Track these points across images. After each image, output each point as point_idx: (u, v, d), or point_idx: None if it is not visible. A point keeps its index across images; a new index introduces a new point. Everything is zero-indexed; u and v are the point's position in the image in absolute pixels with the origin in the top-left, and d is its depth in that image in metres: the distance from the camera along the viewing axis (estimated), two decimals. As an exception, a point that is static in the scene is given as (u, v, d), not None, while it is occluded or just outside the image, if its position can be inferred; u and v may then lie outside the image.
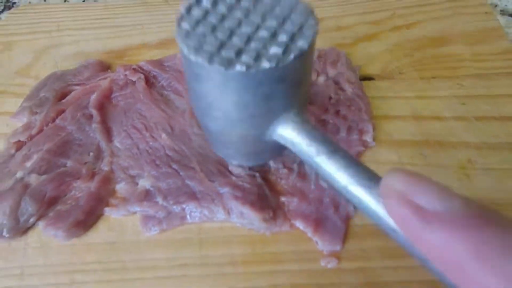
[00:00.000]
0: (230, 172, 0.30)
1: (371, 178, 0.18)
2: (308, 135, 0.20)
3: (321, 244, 0.26)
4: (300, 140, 0.21)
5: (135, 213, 0.28)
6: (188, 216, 0.28)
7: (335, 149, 0.19)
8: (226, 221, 0.28)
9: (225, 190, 0.28)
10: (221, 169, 0.30)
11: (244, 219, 0.27)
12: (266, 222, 0.27)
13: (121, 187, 0.30)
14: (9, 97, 0.36)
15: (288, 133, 0.21)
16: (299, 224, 0.27)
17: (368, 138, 0.31)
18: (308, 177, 0.30)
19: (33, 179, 0.28)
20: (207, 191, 0.28)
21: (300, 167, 0.30)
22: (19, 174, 0.28)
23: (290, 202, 0.28)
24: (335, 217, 0.27)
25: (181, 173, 0.30)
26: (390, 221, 0.16)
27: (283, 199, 0.29)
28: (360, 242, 0.26)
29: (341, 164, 0.19)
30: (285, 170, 0.30)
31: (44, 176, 0.28)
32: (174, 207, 0.28)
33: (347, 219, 0.27)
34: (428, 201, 0.14)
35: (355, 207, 0.28)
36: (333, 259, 0.26)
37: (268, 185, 0.29)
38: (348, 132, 0.32)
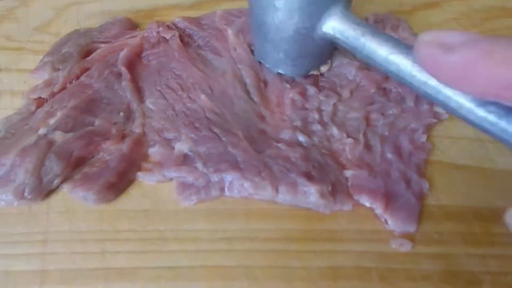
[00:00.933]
0: (277, 141, 0.27)
1: (408, 47, 0.21)
2: (355, 21, 0.25)
3: (393, 223, 0.23)
4: (347, 26, 0.24)
5: (171, 179, 0.25)
6: (227, 189, 0.25)
7: (378, 32, 0.23)
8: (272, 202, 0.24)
9: (274, 161, 0.25)
10: (267, 139, 0.27)
11: (297, 196, 0.24)
12: (324, 198, 0.24)
13: (154, 151, 0.27)
14: (27, 54, 0.33)
15: (337, 22, 0.25)
16: (365, 201, 0.24)
17: (440, 109, 0.28)
18: (373, 148, 0.27)
19: (58, 136, 0.25)
20: (252, 161, 0.25)
21: (366, 138, 0.27)
22: (41, 131, 0.25)
23: (355, 176, 0.25)
24: (407, 193, 0.24)
25: (223, 139, 0.27)
26: (422, 75, 0.20)
27: (346, 173, 0.25)
28: (437, 224, 0.23)
29: (383, 39, 0.23)
30: (350, 140, 0.27)
31: (70, 134, 0.25)
32: (214, 175, 0.25)
33: (421, 197, 0.24)
34: (452, 37, 0.17)
35: (427, 186, 0.25)
36: (407, 241, 0.23)
37: (329, 156, 0.26)
38: (416, 102, 0.29)
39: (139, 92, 0.30)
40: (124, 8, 0.38)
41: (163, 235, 0.23)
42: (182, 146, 0.26)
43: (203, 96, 0.29)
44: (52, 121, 0.26)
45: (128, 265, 0.22)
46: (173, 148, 0.27)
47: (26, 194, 0.23)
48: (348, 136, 0.27)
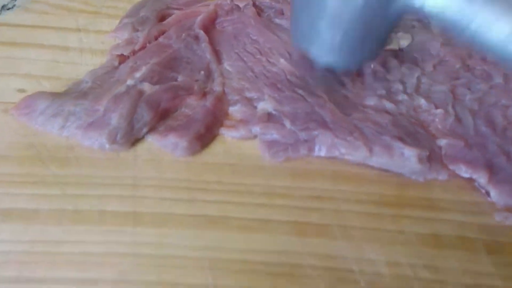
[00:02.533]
0: (364, 106, 0.27)
1: None
2: None
3: (496, 195, 0.23)
4: None
5: (255, 136, 0.26)
6: (317, 147, 0.25)
7: None
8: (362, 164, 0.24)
9: (363, 124, 0.25)
10: (353, 104, 0.27)
11: (393, 158, 0.23)
12: (422, 163, 0.23)
13: (236, 110, 0.27)
14: (103, 18, 0.35)
15: None
16: (463, 171, 0.24)
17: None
18: (464, 121, 0.26)
19: (147, 87, 0.26)
20: (341, 122, 0.25)
21: (455, 110, 0.27)
22: (130, 82, 0.26)
23: (450, 145, 0.25)
24: (509, 166, 0.24)
25: (308, 100, 0.27)
26: None
27: (440, 142, 0.25)
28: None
29: (504, 7, 0.16)
30: (440, 111, 0.26)
31: (157, 86, 0.26)
32: (303, 133, 0.25)
33: (522, 171, 0.24)
34: None
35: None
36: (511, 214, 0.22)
37: (418, 126, 0.26)
38: (506, 79, 0.29)
39: (217, 54, 0.30)
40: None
41: (251, 189, 0.23)
42: (266, 105, 0.27)
43: (282, 60, 0.29)
44: (138, 74, 0.27)
45: (217, 214, 0.22)
46: (255, 107, 0.27)
47: (118, 138, 0.23)
48: (437, 107, 0.26)
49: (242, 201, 0.22)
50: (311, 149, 0.25)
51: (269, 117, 0.26)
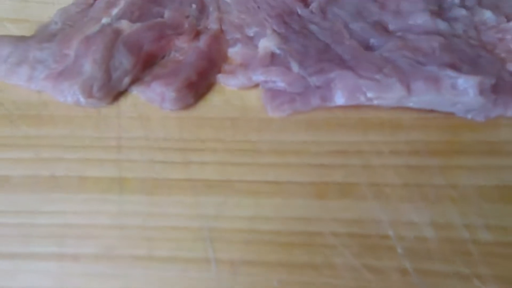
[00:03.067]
0: (404, 30, 0.21)
1: None
2: None
3: None
4: None
5: (257, 85, 0.22)
6: (333, 95, 0.20)
7: None
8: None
9: (398, 54, 0.20)
10: (385, 32, 0.22)
11: (441, 93, 0.18)
12: (484, 95, 0.18)
13: (236, 51, 0.23)
14: None
15: None
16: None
17: None
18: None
19: (125, 26, 0.21)
20: (366, 57, 0.20)
21: None
22: (105, 20, 0.22)
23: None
24: None
25: (321, 36, 0.22)
26: None
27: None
28: None
29: None
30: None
31: (138, 24, 0.22)
32: (315, 78, 0.21)
33: None
34: None
35: None
36: None
37: (481, 48, 0.21)
38: None
39: (213, -19, 0.25)
40: None
41: (257, 147, 0.19)
42: (268, 43, 0.22)
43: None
44: (115, 10, 0.22)
45: (217, 177, 0.19)
46: (256, 47, 0.22)
47: (94, 90, 0.20)
48: (509, 21, 0.21)
49: (247, 161, 0.19)
50: (325, 98, 0.20)
51: (272, 59, 0.21)
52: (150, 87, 0.20)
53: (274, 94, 0.21)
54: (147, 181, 0.19)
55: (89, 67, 0.20)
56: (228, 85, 0.21)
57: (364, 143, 0.19)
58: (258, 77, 0.21)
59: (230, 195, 0.18)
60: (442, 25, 0.21)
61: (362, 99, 0.19)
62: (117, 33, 0.21)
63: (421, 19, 0.21)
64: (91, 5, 0.24)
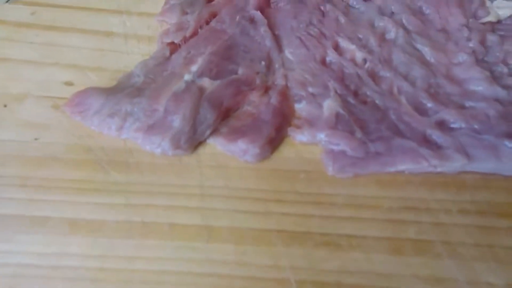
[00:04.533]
0: (462, 95, 0.23)
1: None
2: None
3: None
4: None
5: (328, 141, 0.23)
6: (398, 162, 0.21)
7: None
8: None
9: (455, 122, 0.22)
10: (439, 96, 0.23)
11: (500, 162, 0.20)
12: None
13: (302, 108, 0.24)
14: (146, -4, 0.32)
15: None
16: None
17: None
18: None
19: (207, 83, 0.23)
20: (423, 126, 0.22)
21: None
22: (187, 77, 0.24)
23: None
24: None
25: (378, 102, 0.23)
26: None
27: None
28: None
29: None
30: None
31: (218, 81, 0.24)
32: (376, 144, 0.22)
33: None
34: None
35: None
36: None
37: None
38: None
39: (277, 40, 0.27)
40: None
41: (332, 200, 0.21)
42: (333, 104, 0.23)
43: (352, 47, 0.26)
44: (194, 67, 0.24)
45: (299, 228, 0.20)
46: (321, 106, 0.24)
47: (181, 142, 0.21)
48: None
49: (324, 214, 0.20)
50: (386, 164, 0.21)
51: (337, 119, 0.23)
52: (236, 143, 0.22)
53: (336, 156, 0.22)
54: (233, 230, 0.20)
55: (178, 122, 0.21)
56: (297, 140, 0.23)
57: (432, 201, 0.21)
58: (323, 137, 0.23)
59: (312, 247, 0.19)
60: (501, 93, 0.23)
61: (425, 165, 0.21)
62: (201, 90, 0.23)
63: (481, 86, 0.23)
64: (168, 58, 0.26)
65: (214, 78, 0.24)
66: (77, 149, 0.23)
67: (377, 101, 0.24)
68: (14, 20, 0.29)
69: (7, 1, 0.33)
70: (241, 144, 0.21)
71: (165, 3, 0.30)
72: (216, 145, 0.23)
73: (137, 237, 0.20)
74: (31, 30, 0.29)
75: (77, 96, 0.24)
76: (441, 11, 0.27)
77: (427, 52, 0.25)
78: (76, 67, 0.27)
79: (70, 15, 0.30)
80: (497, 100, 0.22)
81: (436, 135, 0.21)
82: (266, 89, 0.25)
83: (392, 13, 0.28)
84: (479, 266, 0.18)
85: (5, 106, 0.24)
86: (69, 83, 0.26)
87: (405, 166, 0.21)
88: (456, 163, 0.20)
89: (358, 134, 0.22)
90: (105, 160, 0.22)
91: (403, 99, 0.24)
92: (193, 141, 0.22)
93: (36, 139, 0.23)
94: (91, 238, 0.20)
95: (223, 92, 0.23)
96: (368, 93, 0.24)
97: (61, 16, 0.30)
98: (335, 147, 0.22)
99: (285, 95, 0.25)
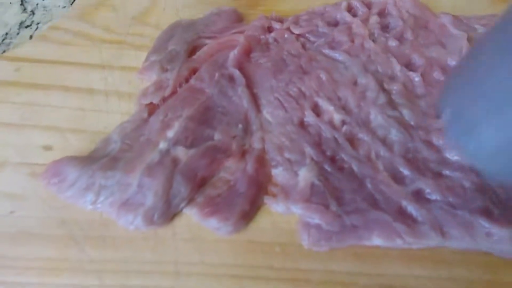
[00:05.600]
0: (440, 164, 0.22)
1: None
2: None
3: None
4: None
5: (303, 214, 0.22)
6: (373, 237, 0.20)
7: None
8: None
9: (434, 197, 0.21)
10: (419, 163, 0.23)
11: (476, 241, 0.20)
12: None
13: (278, 173, 0.24)
14: (128, 49, 0.31)
15: None
16: None
17: None
18: None
19: (181, 154, 0.23)
20: (399, 199, 0.21)
21: None
22: (162, 145, 0.23)
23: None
24: None
25: (356, 170, 0.23)
26: None
27: None
28: None
29: None
30: None
31: (192, 151, 0.23)
32: (352, 217, 0.21)
33: None
34: None
35: None
36: None
37: None
38: None
39: (255, 99, 0.27)
40: (222, -2, 0.34)
41: (307, 277, 0.20)
42: (308, 174, 0.23)
43: (331, 108, 0.25)
44: (170, 133, 0.24)
45: (271, 310, 0.19)
46: (297, 174, 0.23)
47: (155, 218, 0.21)
48: None
49: (298, 293, 0.20)
50: (362, 238, 0.21)
51: (312, 190, 0.22)
52: (209, 219, 0.21)
53: (311, 229, 0.21)
54: (206, 313, 0.19)
55: (151, 199, 0.21)
56: (273, 209, 0.22)
57: (409, 277, 0.20)
58: (298, 210, 0.22)
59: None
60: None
61: (399, 243, 0.20)
62: (175, 162, 0.22)
63: (457, 156, 0.22)
64: (145, 120, 0.26)
65: (189, 146, 0.23)
66: (52, 223, 0.22)
67: (354, 168, 0.23)
68: (-3, 78, 0.29)
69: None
70: (213, 222, 0.21)
71: (146, 60, 0.29)
72: (192, 215, 0.23)
73: (109, 323, 0.19)
74: (13, 89, 0.29)
75: (53, 166, 0.23)
76: (427, 77, 0.27)
77: (407, 115, 0.25)
78: (56, 129, 0.27)
79: (53, 70, 0.30)
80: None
81: (412, 208, 0.21)
82: (243, 153, 0.24)
83: (377, 70, 0.27)
84: None
85: (-19, 175, 0.24)
86: (47, 148, 0.26)
87: (380, 241, 0.21)
88: (431, 241, 0.20)
89: (333, 207, 0.22)
90: (79, 235, 0.22)
91: (380, 166, 0.23)
92: (167, 215, 0.21)
93: (11, 212, 0.23)
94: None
95: (197, 163, 0.23)
96: (345, 158, 0.23)
97: (44, 72, 0.30)
98: (310, 220, 0.22)
99: (261, 161, 0.24)
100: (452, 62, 0.28)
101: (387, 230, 0.20)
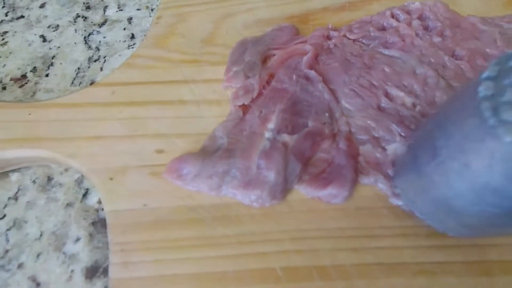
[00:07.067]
0: None
1: None
2: None
3: None
4: None
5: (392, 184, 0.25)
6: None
7: None
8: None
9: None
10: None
11: None
12: None
13: (366, 150, 0.27)
14: (205, 65, 0.35)
15: None
16: None
17: None
18: None
19: (288, 139, 0.26)
20: None
21: None
22: (268, 135, 0.27)
23: None
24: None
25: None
26: None
27: None
28: None
29: None
30: None
31: (296, 136, 0.26)
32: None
33: None
34: None
35: None
36: None
37: None
38: None
39: (333, 93, 0.30)
40: (276, 16, 0.39)
41: (417, 231, 0.23)
42: (398, 147, 0.26)
43: (401, 94, 0.29)
44: (271, 125, 0.27)
45: (394, 260, 0.22)
46: (385, 149, 0.27)
47: (277, 193, 0.24)
48: None
49: (414, 245, 0.22)
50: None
51: (399, 160, 0.25)
52: (327, 189, 0.24)
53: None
54: (338, 267, 0.22)
55: (273, 176, 0.24)
56: (365, 182, 0.25)
57: None
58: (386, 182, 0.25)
59: (411, 277, 0.21)
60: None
61: None
62: (285, 145, 0.26)
63: None
64: (243, 119, 0.29)
65: (291, 133, 0.27)
66: (182, 210, 0.25)
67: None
68: (99, 101, 0.33)
69: (72, 83, 0.37)
70: (331, 190, 0.24)
71: (228, 71, 0.33)
72: (301, 191, 0.25)
73: (256, 284, 0.22)
74: (115, 108, 0.32)
75: (175, 163, 0.26)
76: (472, 64, 0.30)
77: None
78: (162, 136, 0.30)
79: (144, 89, 0.34)
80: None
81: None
82: (334, 137, 0.28)
83: (430, 62, 0.31)
84: None
85: (111, 179, 0.27)
86: (160, 151, 0.29)
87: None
88: None
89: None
90: (208, 217, 0.25)
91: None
92: (286, 191, 0.24)
93: (144, 205, 0.26)
94: (216, 289, 0.22)
95: (303, 145, 0.26)
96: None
97: (137, 91, 0.33)
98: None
99: (350, 140, 0.27)
100: (489, 51, 0.32)
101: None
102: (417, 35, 0.33)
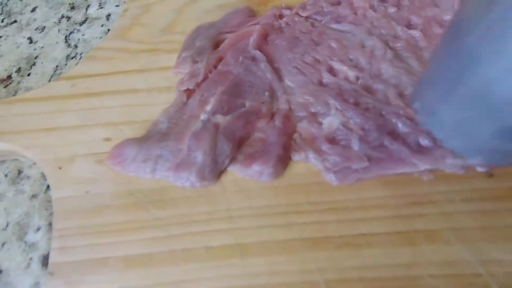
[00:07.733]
0: None
1: None
2: None
3: None
4: None
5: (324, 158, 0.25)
6: (397, 167, 0.22)
7: None
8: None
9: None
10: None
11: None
12: None
13: (303, 127, 0.26)
14: (161, 54, 0.35)
15: None
16: None
17: None
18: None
19: (220, 119, 0.26)
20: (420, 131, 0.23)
21: None
22: (203, 117, 0.26)
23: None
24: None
25: (380, 108, 0.25)
26: None
27: None
28: None
29: None
30: None
31: (229, 116, 0.26)
32: (378, 151, 0.23)
33: None
34: None
35: None
36: None
37: None
38: None
39: (277, 72, 0.30)
40: (236, 0, 0.38)
41: (344, 205, 0.22)
42: (333, 120, 0.25)
43: (344, 68, 0.28)
44: (208, 107, 0.27)
45: (319, 234, 0.21)
46: (321, 123, 0.26)
47: (206, 174, 0.24)
48: None
49: (340, 219, 0.22)
50: (386, 169, 0.23)
51: (335, 135, 0.25)
52: (251, 167, 0.24)
53: (336, 169, 0.23)
54: (262, 244, 0.22)
55: (201, 157, 0.24)
56: (298, 159, 0.25)
57: (436, 193, 0.22)
58: (318, 157, 0.24)
59: (333, 249, 0.21)
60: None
61: (421, 168, 0.22)
62: (216, 126, 0.25)
63: None
64: (185, 103, 0.29)
65: (226, 114, 0.26)
66: (120, 195, 0.26)
67: (377, 106, 0.25)
68: (59, 94, 0.34)
69: (49, 81, 0.38)
70: (255, 167, 0.23)
71: (178, 57, 0.33)
72: (235, 172, 0.25)
73: (181, 263, 0.22)
74: (72, 100, 0.33)
75: (115, 149, 0.27)
76: (426, 32, 0.29)
77: (415, 64, 0.26)
78: (112, 124, 0.30)
79: (102, 80, 0.34)
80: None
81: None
82: (272, 115, 0.27)
83: (381, 33, 0.29)
84: (487, 246, 0.19)
85: (60, 168, 0.28)
86: (107, 139, 0.29)
87: (403, 170, 0.22)
88: (454, 165, 0.22)
89: (356, 146, 0.24)
90: (144, 201, 0.25)
91: (401, 103, 0.25)
92: (216, 171, 0.24)
93: (86, 192, 0.26)
94: (144, 270, 0.22)
95: (235, 125, 0.25)
96: (368, 101, 0.26)
97: (95, 83, 0.34)
98: (334, 161, 0.24)
99: (288, 117, 0.26)
100: (447, 17, 0.30)
101: (409, 159, 0.22)
102: (371, 7, 0.32)
